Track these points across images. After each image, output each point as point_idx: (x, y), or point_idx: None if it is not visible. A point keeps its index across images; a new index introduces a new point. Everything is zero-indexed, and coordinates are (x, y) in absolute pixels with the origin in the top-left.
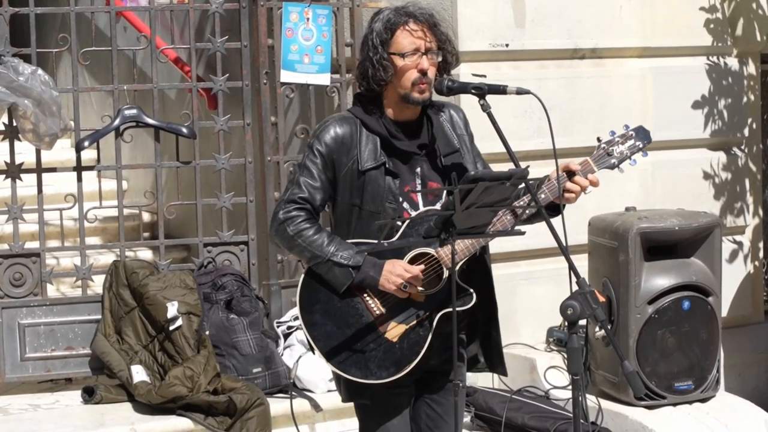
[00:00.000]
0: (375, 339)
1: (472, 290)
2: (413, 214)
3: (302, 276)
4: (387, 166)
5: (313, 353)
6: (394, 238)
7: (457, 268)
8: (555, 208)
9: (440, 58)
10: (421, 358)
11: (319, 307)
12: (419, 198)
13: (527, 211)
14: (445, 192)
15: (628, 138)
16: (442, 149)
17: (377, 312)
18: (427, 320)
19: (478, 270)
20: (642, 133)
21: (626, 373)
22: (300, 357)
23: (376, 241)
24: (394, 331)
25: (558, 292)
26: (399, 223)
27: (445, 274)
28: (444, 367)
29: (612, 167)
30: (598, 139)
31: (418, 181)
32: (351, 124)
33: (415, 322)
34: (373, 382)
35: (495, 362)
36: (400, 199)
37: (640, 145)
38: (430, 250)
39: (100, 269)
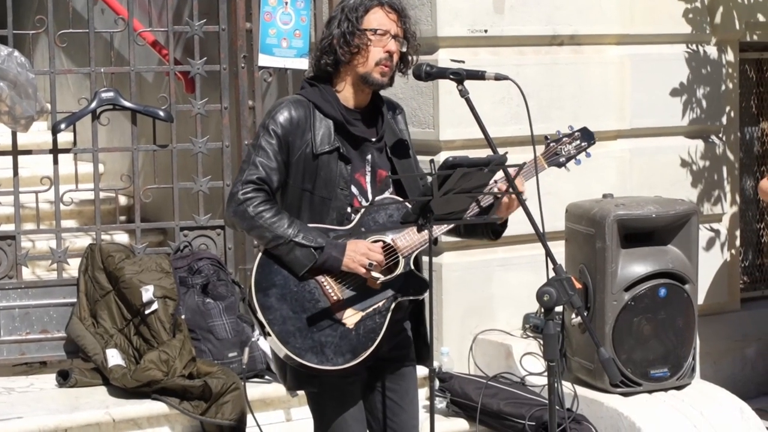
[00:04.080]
0: (331, 325)
1: (426, 280)
2: (362, 201)
3: (258, 258)
4: (341, 150)
5: (265, 338)
6: (350, 226)
7: (411, 258)
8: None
9: (405, 49)
10: (376, 345)
11: (275, 290)
12: (368, 185)
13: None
14: (391, 180)
15: (574, 138)
16: (391, 139)
17: (334, 298)
18: (384, 308)
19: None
20: (586, 134)
21: (602, 360)
22: (252, 341)
23: (339, 228)
24: (351, 317)
25: (535, 278)
26: (355, 210)
27: (401, 262)
28: (394, 353)
29: (560, 165)
30: (546, 137)
31: (368, 168)
32: (305, 107)
33: (371, 309)
34: (330, 368)
35: (423, 355)
36: (351, 186)
37: (585, 145)
38: (386, 239)
39: (76, 252)
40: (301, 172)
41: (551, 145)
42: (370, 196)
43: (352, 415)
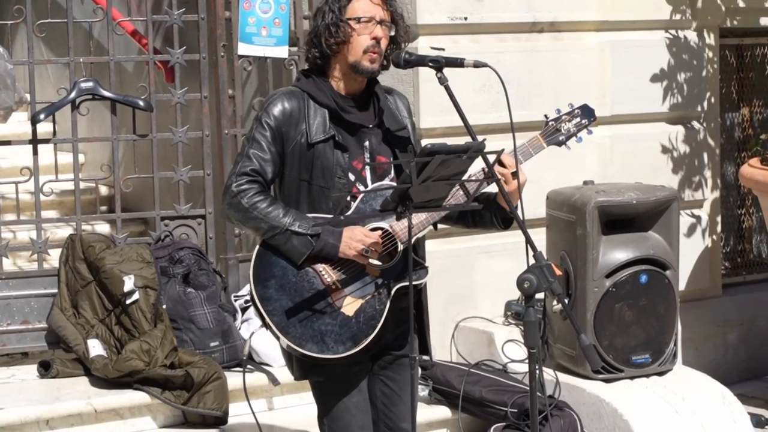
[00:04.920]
0: (331, 313)
1: (426, 265)
2: (362, 188)
3: (256, 249)
4: (336, 138)
5: (267, 329)
6: (347, 213)
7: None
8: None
9: (393, 33)
10: (377, 332)
11: (273, 281)
12: (367, 173)
13: (483, 185)
14: (393, 166)
15: (574, 116)
16: (390, 124)
17: (333, 286)
18: (383, 295)
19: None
20: (587, 111)
21: (582, 347)
22: (253, 333)
23: (331, 216)
24: (351, 305)
25: (516, 265)
26: (353, 196)
27: (400, 248)
28: (397, 342)
29: (560, 144)
30: (546, 116)
31: (367, 155)
32: (298, 98)
33: (370, 296)
34: (330, 357)
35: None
36: (349, 174)
37: (586, 123)
38: (384, 225)
39: (57, 243)
40: (297, 162)
41: (550, 123)
42: (369, 183)
43: (356, 404)
